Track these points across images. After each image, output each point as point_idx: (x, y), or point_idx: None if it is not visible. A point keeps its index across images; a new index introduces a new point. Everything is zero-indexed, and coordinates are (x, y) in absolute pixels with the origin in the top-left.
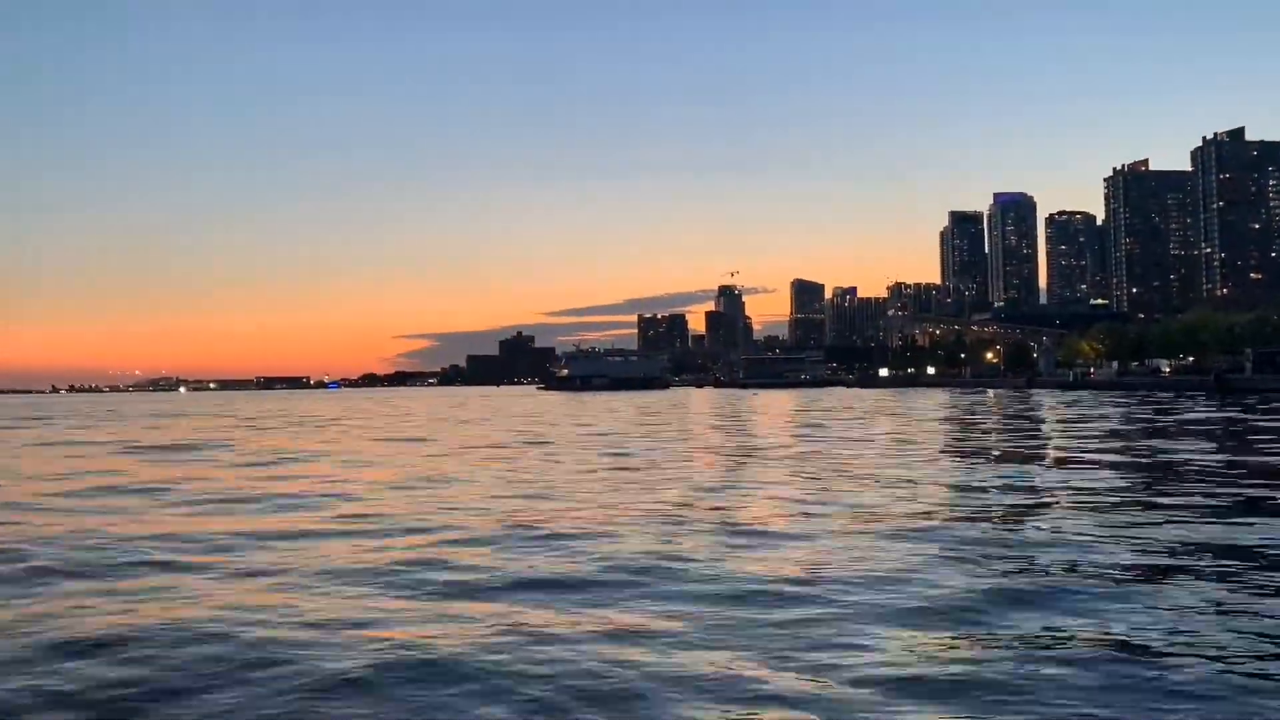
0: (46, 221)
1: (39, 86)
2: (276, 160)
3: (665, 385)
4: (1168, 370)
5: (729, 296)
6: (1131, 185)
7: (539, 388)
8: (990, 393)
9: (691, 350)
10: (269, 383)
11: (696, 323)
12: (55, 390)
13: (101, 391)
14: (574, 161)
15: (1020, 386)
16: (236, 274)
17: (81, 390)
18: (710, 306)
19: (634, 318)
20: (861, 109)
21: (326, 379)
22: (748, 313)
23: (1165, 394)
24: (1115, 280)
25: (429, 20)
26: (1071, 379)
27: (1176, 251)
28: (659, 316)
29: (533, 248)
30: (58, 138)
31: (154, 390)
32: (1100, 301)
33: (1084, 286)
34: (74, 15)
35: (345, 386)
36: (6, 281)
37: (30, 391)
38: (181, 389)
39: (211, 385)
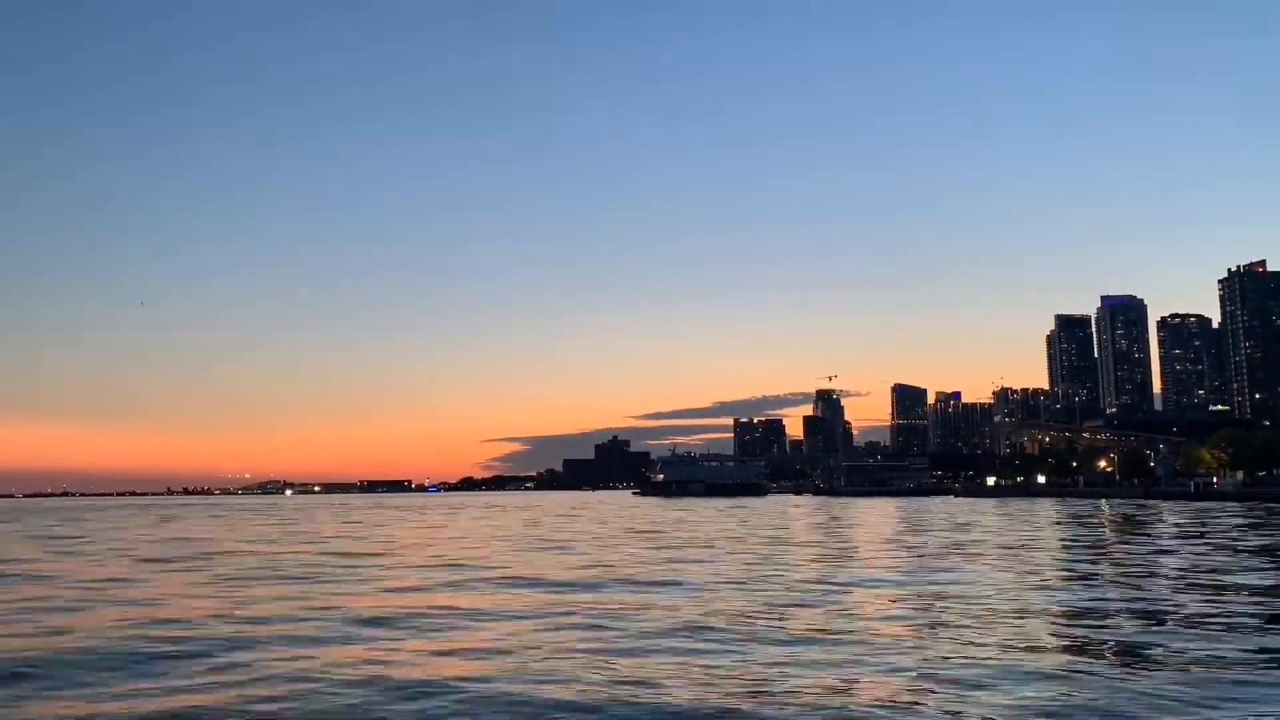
0: (164, 334)
1: (153, 205)
2: (369, 274)
3: (763, 492)
4: None
5: (827, 401)
6: (1249, 286)
7: (634, 493)
8: (1104, 503)
9: (789, 456)
10: (371, 486)
11: (794, 427)
12: (170, 493)
13: (213, 494)
14: (665, 266)
15: (1139, 497)
16: (335, 381)
17: (193, 493)
18: (806, 411)
19: (726, 421)
20: (960, 208)
21: (427, 483)
22: (847, 418)
23: None
24: (1235, 385)
25: (517, 134)
26: (1194, 489)
27: None
28: (755, 421)
29: (624, 350)
30: (161, 260)
31: (261, 493)
32: (1220, 407)
33: (1201, 392)
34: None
35: (444, 490)
36: (121, 390)
37: (145, 494)
38: (288, 492)
39: (316, 489)
